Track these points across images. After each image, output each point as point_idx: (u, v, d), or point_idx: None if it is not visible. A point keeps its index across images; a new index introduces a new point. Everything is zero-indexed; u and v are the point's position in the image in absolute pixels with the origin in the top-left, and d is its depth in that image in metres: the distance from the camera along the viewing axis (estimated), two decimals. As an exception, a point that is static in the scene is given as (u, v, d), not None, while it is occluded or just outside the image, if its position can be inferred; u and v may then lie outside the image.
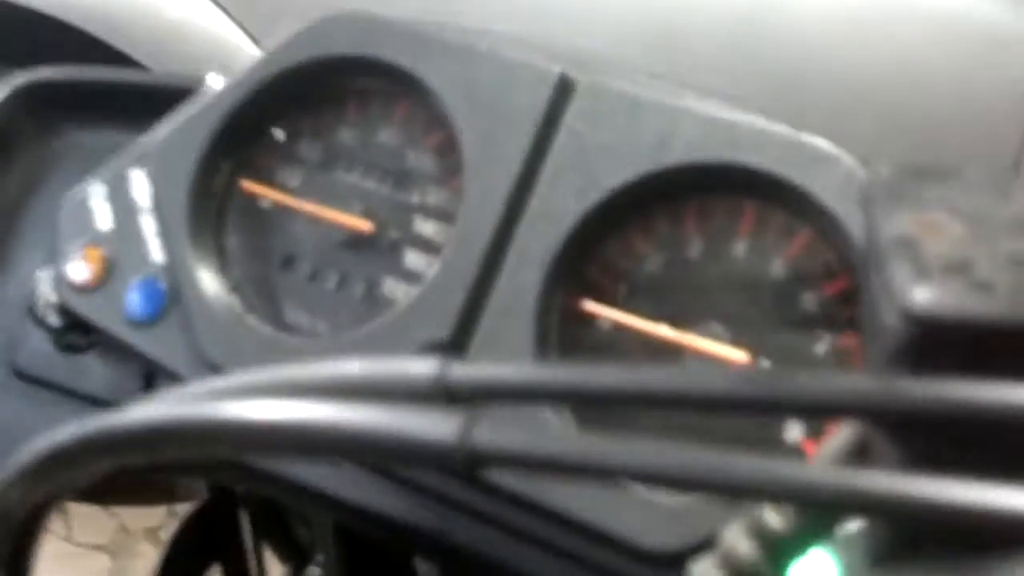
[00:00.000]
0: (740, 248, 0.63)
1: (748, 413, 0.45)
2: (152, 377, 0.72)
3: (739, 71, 1.58)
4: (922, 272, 0.34)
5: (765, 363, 0.60)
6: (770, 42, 1.58)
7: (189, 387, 0.41)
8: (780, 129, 0.62)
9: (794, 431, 0.59)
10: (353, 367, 0.38)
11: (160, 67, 1.65)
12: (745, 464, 0.31)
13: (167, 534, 2.22)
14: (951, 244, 0.35)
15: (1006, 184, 0.39)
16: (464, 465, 0.34)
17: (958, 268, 0.34)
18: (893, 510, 0.30)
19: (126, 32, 1.68)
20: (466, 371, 0.36)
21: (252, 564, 1.01)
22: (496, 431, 0.34)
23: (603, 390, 0.35)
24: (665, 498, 0.57)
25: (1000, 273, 0.34)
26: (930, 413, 0.31)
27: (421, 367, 0.37)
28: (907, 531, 0.35)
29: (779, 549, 0.36)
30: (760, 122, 0.62)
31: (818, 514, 0.36)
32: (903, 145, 1.55)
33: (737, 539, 0.37)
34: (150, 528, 2.21)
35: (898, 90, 1.55)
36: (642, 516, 0.57)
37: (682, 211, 0.64)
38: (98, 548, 2.18)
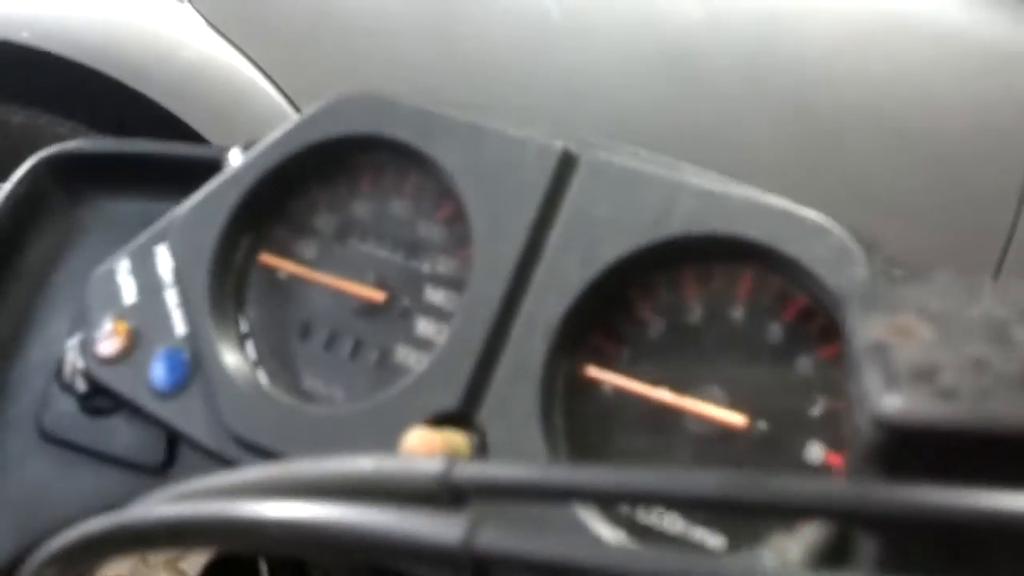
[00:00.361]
0: (738, 314, 0.65)
1: (730, 514, 0.48)
2: (176, 440, 0.74)
3: (749, 92, 1.60)
4: (891, 380, 0.36)
5: (762, 425, 0.63)
6: (780, 63, 1.60)
7: (209, 480, 0.44)
8: (774, 201, 0.64)
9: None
10: (362, 465, 0.40)
11: (209, 126, 1.69)
12: (729, 569, 0.34)
13: (186, 565, 2.23)
14: (920, 349, 0.38)
15: (977, 285, 0.41)
16: (469, 568, 0.36)
17: (925, 374, 0.37)
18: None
19: (145, 75, 1.71)
20: (470, 471, 0.39)
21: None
22: (501, 534, 0.36)
23: (599, 490, 0.37)
24: None
25: (965, 378, 0.36)
26: (897, 518, 0.34)
27: (427, 467, 0.39)
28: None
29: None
30: (755, 195, 0.65)
31: None
32: (911, 161, 1.57)
33: None
34: (170, 559, 2.23)
35: (906, 107, 1.57)
36: None
37: (682, 279, 0.66)
38: (118, 578, 2.20)
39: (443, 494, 0.38)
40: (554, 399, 0.66)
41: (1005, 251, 1.55)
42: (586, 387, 0.66)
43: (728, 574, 0.34)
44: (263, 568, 0.98)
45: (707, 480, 0.36)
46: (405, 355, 0.70)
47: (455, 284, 0.70)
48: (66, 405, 0.77)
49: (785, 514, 0.37)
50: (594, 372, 0.66)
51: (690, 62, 1.62)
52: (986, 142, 1.58)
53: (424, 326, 0.71)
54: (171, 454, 0.75)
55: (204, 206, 0.74)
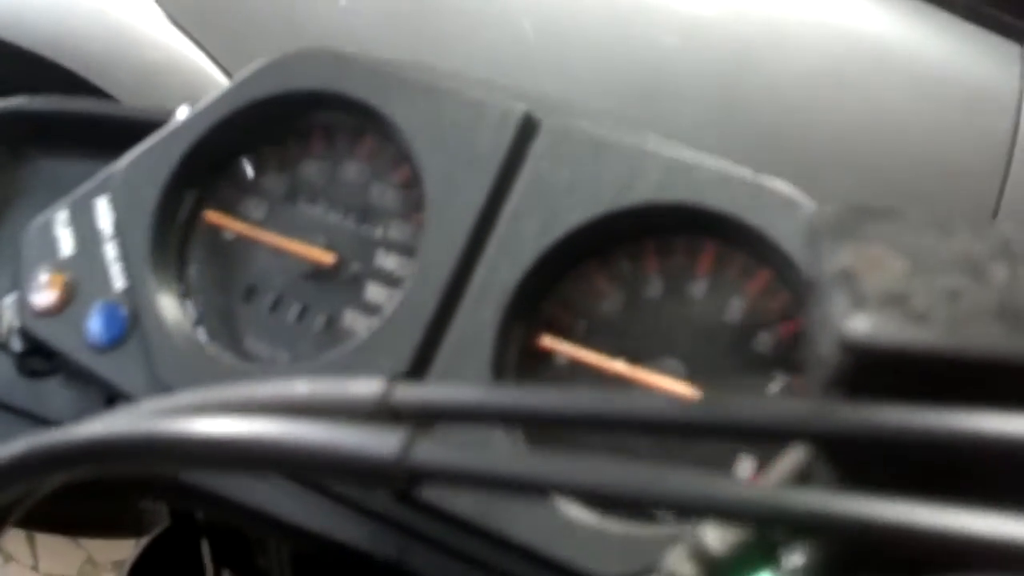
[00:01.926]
0: (699, 288, 0.63)
1: (687, 437, 0.46)
2: (114, 402, 0.72)
3: (719, 128, 1.59)
4: (859, 303, 0.34)
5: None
6: (750, 99, 1.59)
7: (137, 405, 0.41)
8: (741, 172, 0.62)
9: (745, 466, 0.59)
10: (300, 387, 0.38)
11: (136, 102, 1.66)
12: (678, 479, 0.32)
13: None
14: (890, 278, 0.36)
15: (949, 223, 0.39)
16: (402, 481, 0.34)
17: (895, 300, 0.35)
18: (822, 528, 0.30)
19: (103, 68, 1.68)
20: (411, 391, 0.37)
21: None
22: (436, 448, 0.34)
23: (548, 412, 0.35)
24: (612, 526, 0.57)
25: (936, 305, 0.35)
26: (862, 437, 0.32)
27: (367, 387, 0.37)
28: (845, 558, 0.35)
29: (720, 573, 0.36)
30: (721, 165, 0.63)
31: (758, 537, 0.36)
32: (882, 198, 1.57)
33: (678, 563, 0.37)
34: (117, 561, 2.19)
35: (876, 146, 1.57)
36: (589, 543, 0.57)
37: (642, 250, 0.64)
38: (66, 580, 2.16)
39: (383, 413, 0.36)
40: (505, 368, 0.64)
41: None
42: (539, 357, 0.64)
43: (668, 483, 0.32)
44: (205, 548, 0.95)
45: (659, 403, 0.35)
46: (353, 320, 0.68)
47: (407, 250, 0.68)
48: (3, 367, 0.75)
49: (746, 436, 0.35)
50: (548, 342, 0.64)
51: (662, 89, 1.61)
52: (958, 184, 1.57)
53: (374, 291, 0.68)
54: None
55: (148, 158, 0.72)
